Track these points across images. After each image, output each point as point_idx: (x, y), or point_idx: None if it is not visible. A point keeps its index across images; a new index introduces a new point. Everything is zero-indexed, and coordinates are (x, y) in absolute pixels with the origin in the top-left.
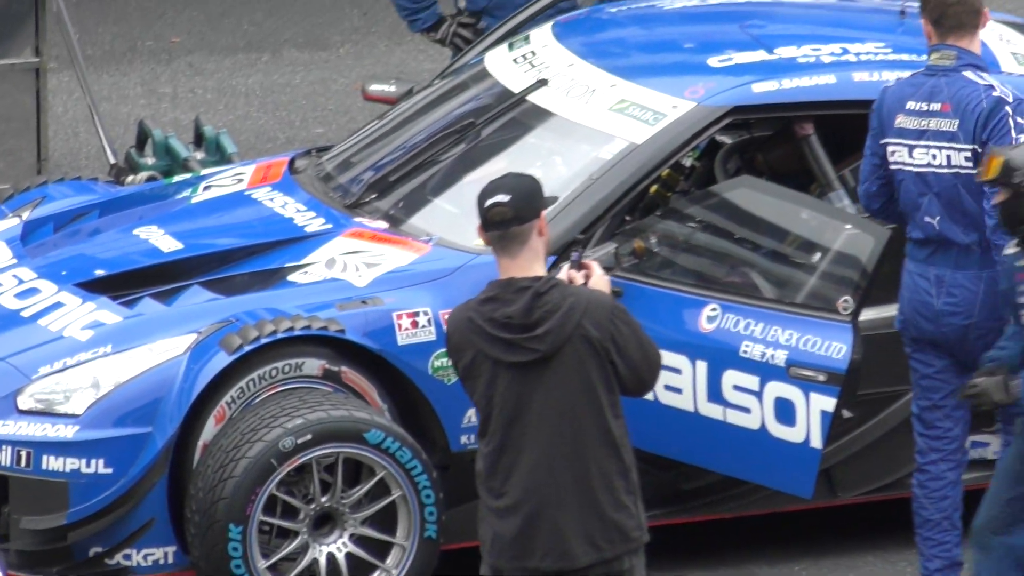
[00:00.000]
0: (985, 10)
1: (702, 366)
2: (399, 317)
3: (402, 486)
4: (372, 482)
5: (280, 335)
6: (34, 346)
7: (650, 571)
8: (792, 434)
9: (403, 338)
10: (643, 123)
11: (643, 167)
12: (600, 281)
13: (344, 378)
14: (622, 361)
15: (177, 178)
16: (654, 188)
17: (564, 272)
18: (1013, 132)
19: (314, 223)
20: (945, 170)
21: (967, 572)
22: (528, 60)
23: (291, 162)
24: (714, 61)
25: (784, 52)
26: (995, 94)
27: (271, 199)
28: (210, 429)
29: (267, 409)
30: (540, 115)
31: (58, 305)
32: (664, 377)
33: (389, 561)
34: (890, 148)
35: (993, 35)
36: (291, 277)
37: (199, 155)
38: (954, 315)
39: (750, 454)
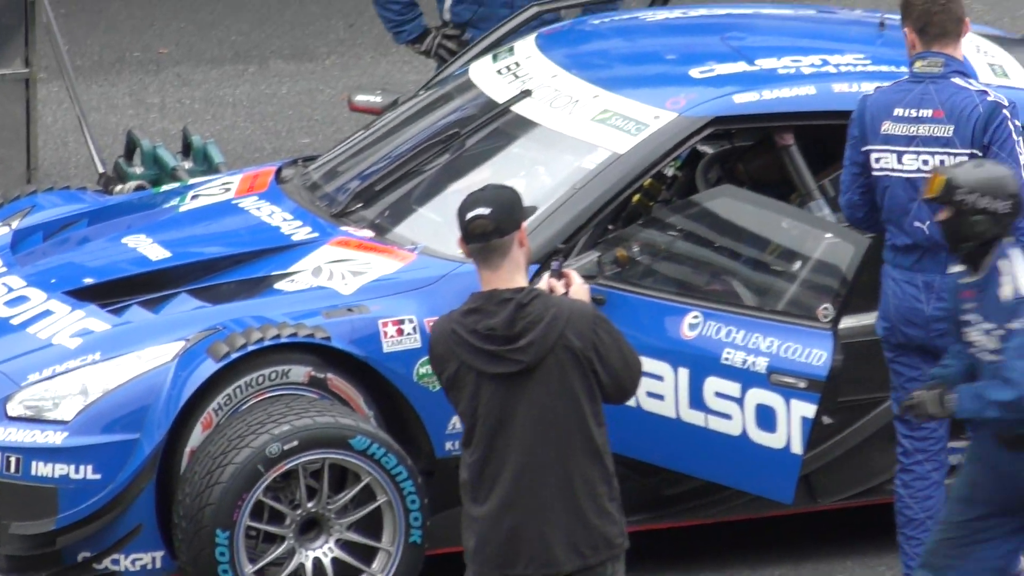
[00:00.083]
0: (967, 19)
1: (684, 373)
2: (384, 325)
3: (387, 492)
4: (358, 488)
5: (267, 343)
6: (23, 353)
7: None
8: (773, 440)
9: (388, 345)
10: (626, 133)
11: (626, 177)
12: (579, 290)
13: (330, 385)
14: (604, 370)
15: (165, 187)
16: (636, 197)
17: (544, 281)
18: (1014, 135)
19: (300, 232)
20: None
21: None
22: (512, 71)
23: (278, 172)
24: (695, 72)
25: (764, 63)
26: (990, 99)
27: (258, 208)
28: (197, 435)
29: (254, 416)
30: (524, 125)
31: (47, 313)
32: (646, 384)
33: (375, 566)
34: (875, 155)
35: (970, 46)
36: (278, 285)
37: (187, 165)
38: (945, 320)
39: (731, 460)
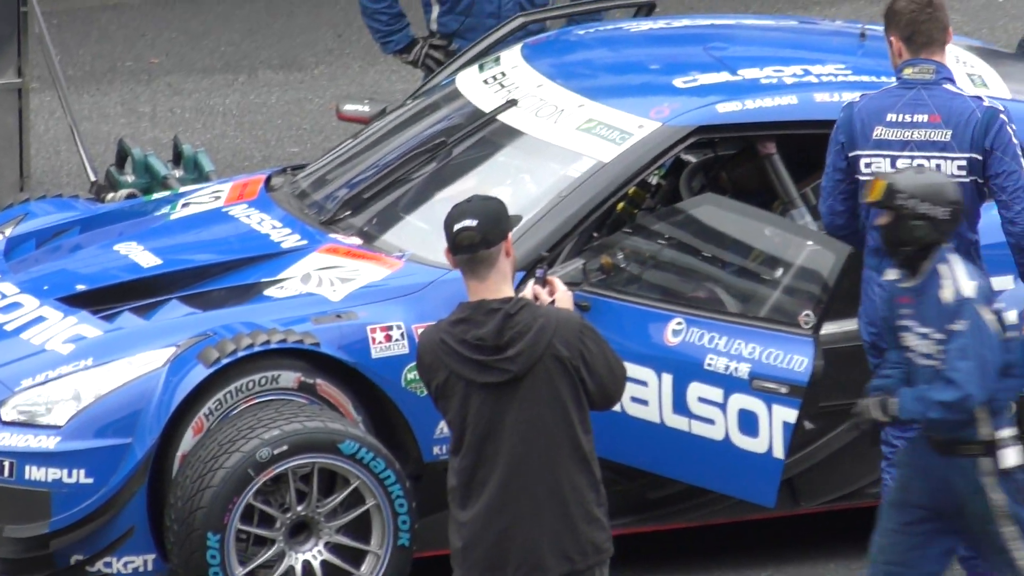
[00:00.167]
0: (950, 27)
1: (668, 379)
2: (373, 331)
3: (376, 495)
4: (347, 491)
5: (256, 348)
6: (17, 359)
7: None
8: (755, 445)
9: (377, 351)
10: (610, 142)
11: (610, 185)
12: (563, 297)
13: (319, 390)
14: (591, 378)
15: (156, 195)
16: (621, 205)
17: (529, 288)
18: (1014, 139)
19: (290, 239)
20: None
21: None
22: (498, 81)
23: (267, 180)
24: (679, 82)
25: (747, 73)
26: (986, 104)
27: (248, 216)
28: (188, 440)
29: (244, 421)
30: (510, 134)
31: (40, 319)
32: (631, 389)
33: (363, 568)
34: (864, 160)
35: (949, 56)
36: (267, 292)
37: (178, 173)
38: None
39: (715, 464)
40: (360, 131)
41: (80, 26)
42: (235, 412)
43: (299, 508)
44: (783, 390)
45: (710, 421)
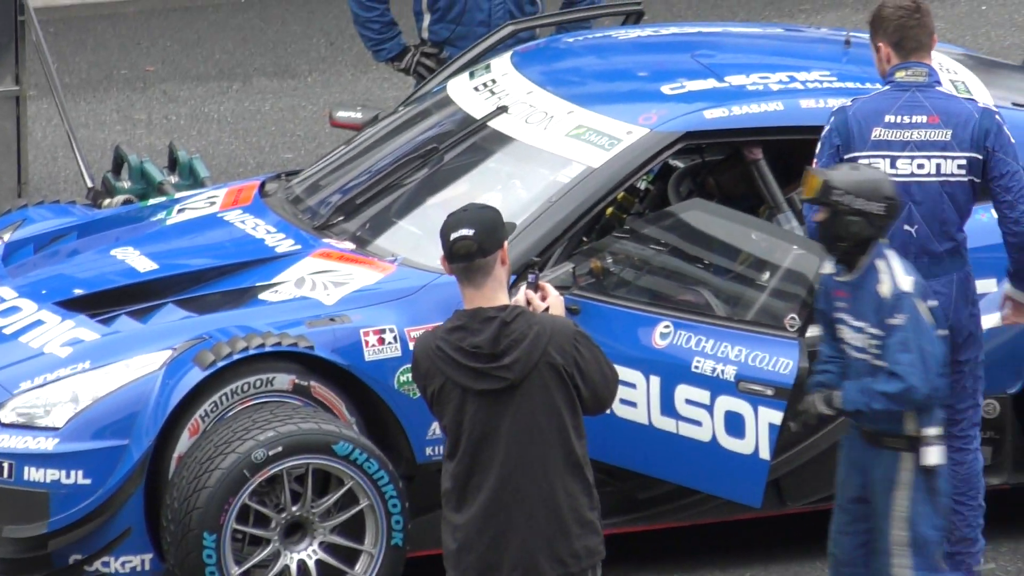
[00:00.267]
0: (935, 33)
1: (655, 381)
2: (366, 334)
3: (369, 496)
4: (341, 492)
5: (252, 351)
6: (15, 362)
7: None
8: (742, 446)
9: (370, 354)
10: (599, 148)
11: (599, 190)
12: (556, 302)
13: (313, 392)
14: (584, 384)
15: (152, 201)
16: (610, 210)
17: (521, 293)
18: (1012, 139)
19: (284, 244)
20: (933, 179)
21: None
22: (489, 88)
23: (261, 186)
24: (667, 89)
25: (734, 80)
26: (981, 105)
27: (242, 221)
28: (185, 442)
29: (239, 422)
30: (500, 140)
31: (38, 323)
32: (620, 391)
33: (357, 568)
34: (864, 162)
35: (933, 63)
36: (262, 296)
37: (173, 179)
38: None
39: (702, 465)
40: (353, 138)
41: (77, 35)
42: (231, 414)
43: (294, 508)
44: (769, 392)
45: (697, 423)
